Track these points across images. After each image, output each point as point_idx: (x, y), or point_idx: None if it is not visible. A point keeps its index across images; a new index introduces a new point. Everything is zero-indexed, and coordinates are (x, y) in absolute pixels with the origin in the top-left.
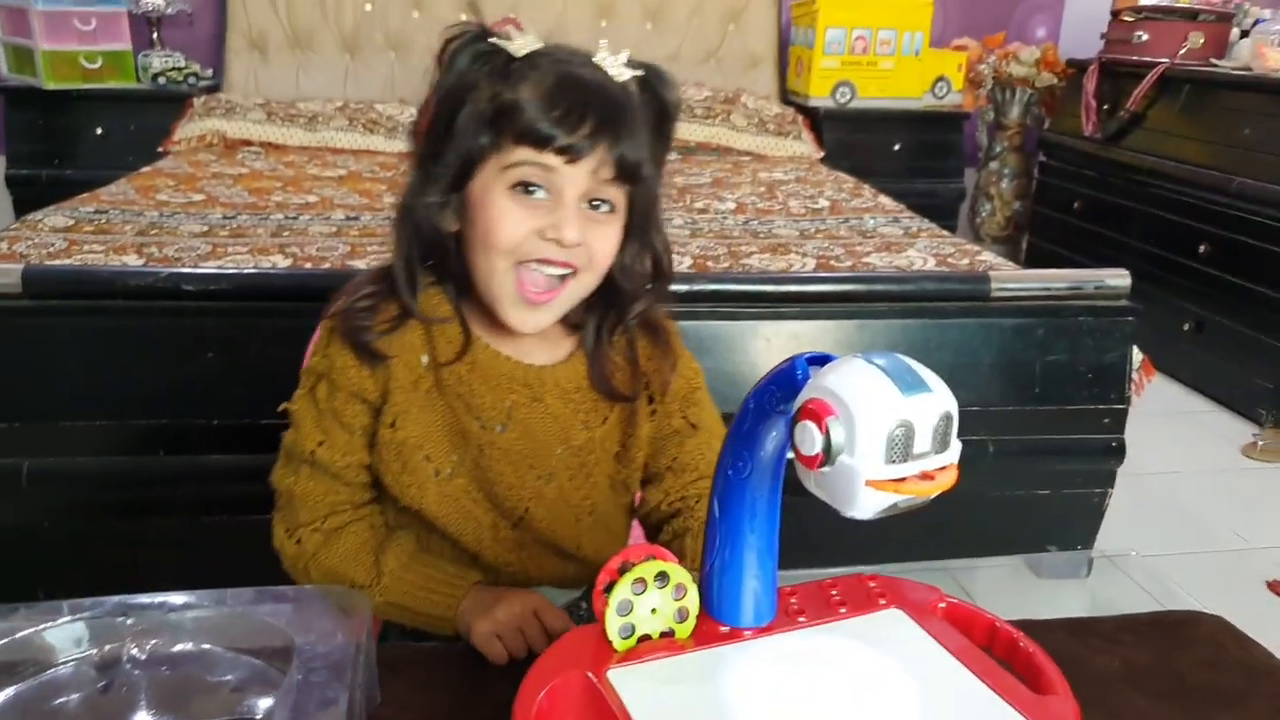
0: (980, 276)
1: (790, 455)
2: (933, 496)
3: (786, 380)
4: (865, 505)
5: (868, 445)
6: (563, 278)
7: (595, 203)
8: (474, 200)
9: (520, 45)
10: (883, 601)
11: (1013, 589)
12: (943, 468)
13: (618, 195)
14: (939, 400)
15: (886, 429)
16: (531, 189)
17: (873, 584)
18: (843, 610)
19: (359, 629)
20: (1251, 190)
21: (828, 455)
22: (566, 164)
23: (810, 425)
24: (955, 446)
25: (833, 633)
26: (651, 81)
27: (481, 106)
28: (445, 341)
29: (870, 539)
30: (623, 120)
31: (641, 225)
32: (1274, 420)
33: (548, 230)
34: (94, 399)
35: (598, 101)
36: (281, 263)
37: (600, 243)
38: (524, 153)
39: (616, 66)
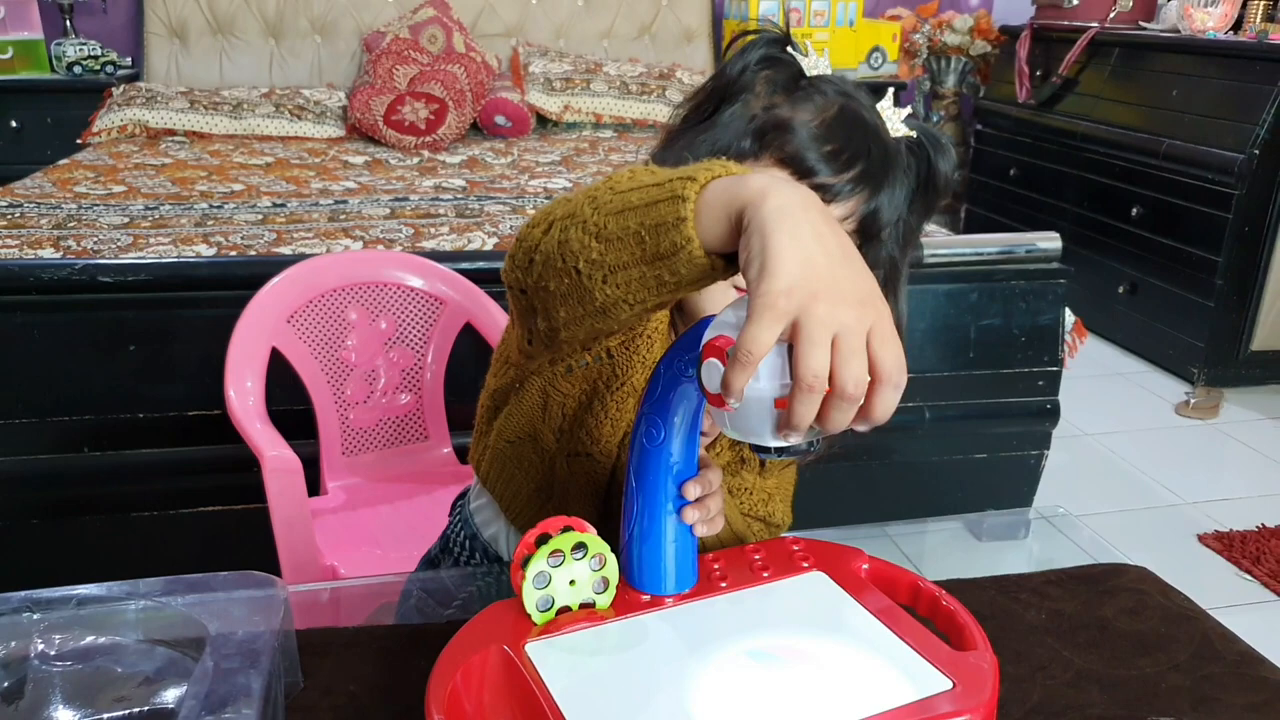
0: None
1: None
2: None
3: (693, 343)
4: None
5: (768, 364)
6: None
7: None
8: None
9: (812, 65)
10: (806, 565)
11: (953, 552)
12: None
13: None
14: None
15: (783, 344)
16: None
17: (796, 547)
18: (765, 574)
19: (277, 614)
20: (1180, 151)
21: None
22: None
23: (713, 361)
24: None
25: (755, 597)
26: (927, 146)
27: (754, 110)
28: None
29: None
30: (889, 174)
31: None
32: (1206, 378)
33: None
34: (12, 397)
35: (873, 149)
36: (205, 252)
37: None
38: (782, 174)
39: (896, 121)
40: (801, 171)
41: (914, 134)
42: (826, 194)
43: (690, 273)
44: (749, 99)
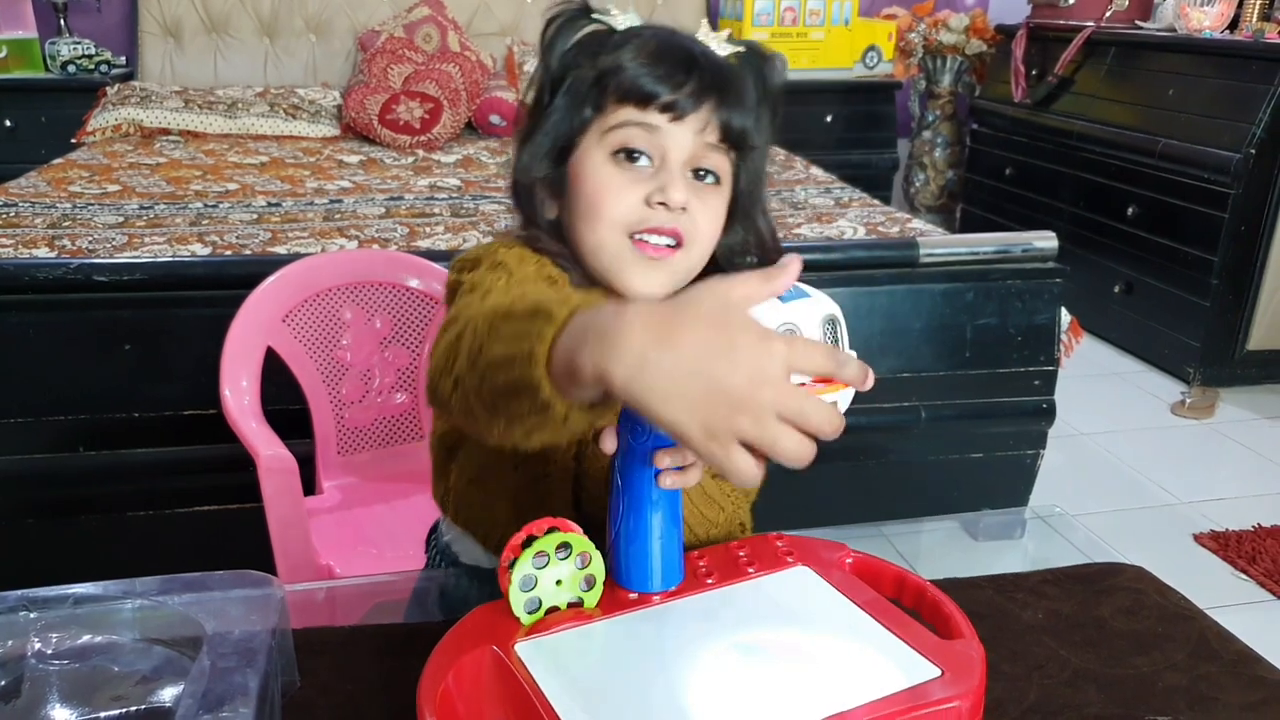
0: (908, 243)
1: None
2: (838, 402)
3: None
4: None
5: None
6: (671, 248)
7: (700, 173)
8: (575, 174)
9: (622, 21)
10: (790, 559)
11: (949, 551)
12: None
13: (723, 165)
14: (819, 305)
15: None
16: (635, 155)
17: (780, 543)
18: (751, 570)
19: (273, 613)
20: (1177, 151)
21: None
22: (670, 122)
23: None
24: (851, 354)
25: (741, 592)
26: (754, 58)
27: (583, 75)
28: None
29: (804, 505)
30: (729, 83)
31: (746, 205)
32: (1201, 378)
33: (654, 195)
34: (7, 397)
35: (702, 61)
36: (200, 251)
37: (706, 213)
38: (626, 112)
39: (718, 42)
40: (642, 98)
41: (740, 49)
42: (675, 110)
43: (579, 423)
44: (576, 73)
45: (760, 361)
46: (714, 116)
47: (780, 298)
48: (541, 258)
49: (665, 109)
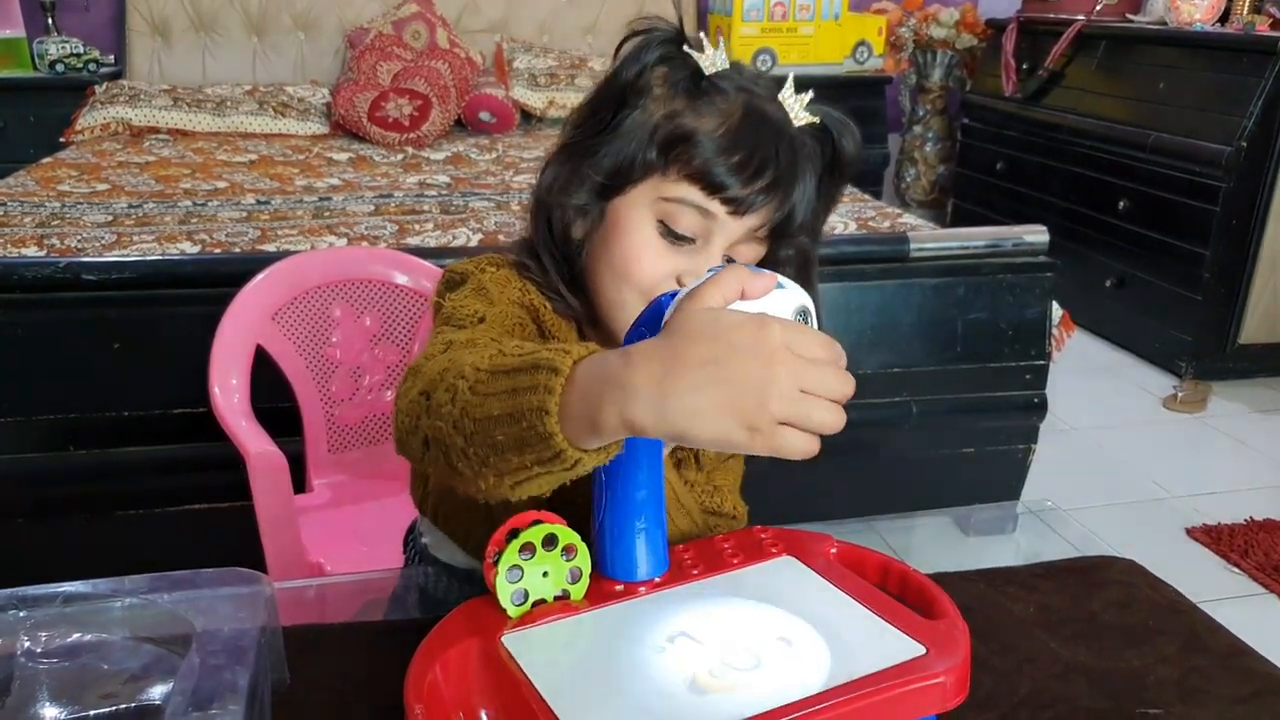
0: (899, 237)
1: None
2: None
3: (655, 319)
4: None
5: None
6: None
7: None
8: (617, 218)
9: (710, 62)
10: (775, 550)
11: (941, 546)
12: None
13: (755, 256)
14: (791, 296)
15: None
16: (682, 235)
17: (764, 535)
18: (735, 561)
19: (263, 610)
20: (1168, 144)
21: None
22: (729, 214)
23: None
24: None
25: (727, 582)
26: (832, 131)
27: (655, 119)
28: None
29: (795, 500)
30: (798, 173)
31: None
32: (1193, 372)
33: (687, 276)
34: None
35: (780, 153)
36: (189, 249)
37: None
38: (689, 191)
39: (798, 109)
40: (712, 187)
41: (817, 119)
42: (739, 206)
43: (590, 465)
44: (647, 103)
45: (763, 346)
46: (774, 213)
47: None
48: (526, 284)
49: (729, 203)
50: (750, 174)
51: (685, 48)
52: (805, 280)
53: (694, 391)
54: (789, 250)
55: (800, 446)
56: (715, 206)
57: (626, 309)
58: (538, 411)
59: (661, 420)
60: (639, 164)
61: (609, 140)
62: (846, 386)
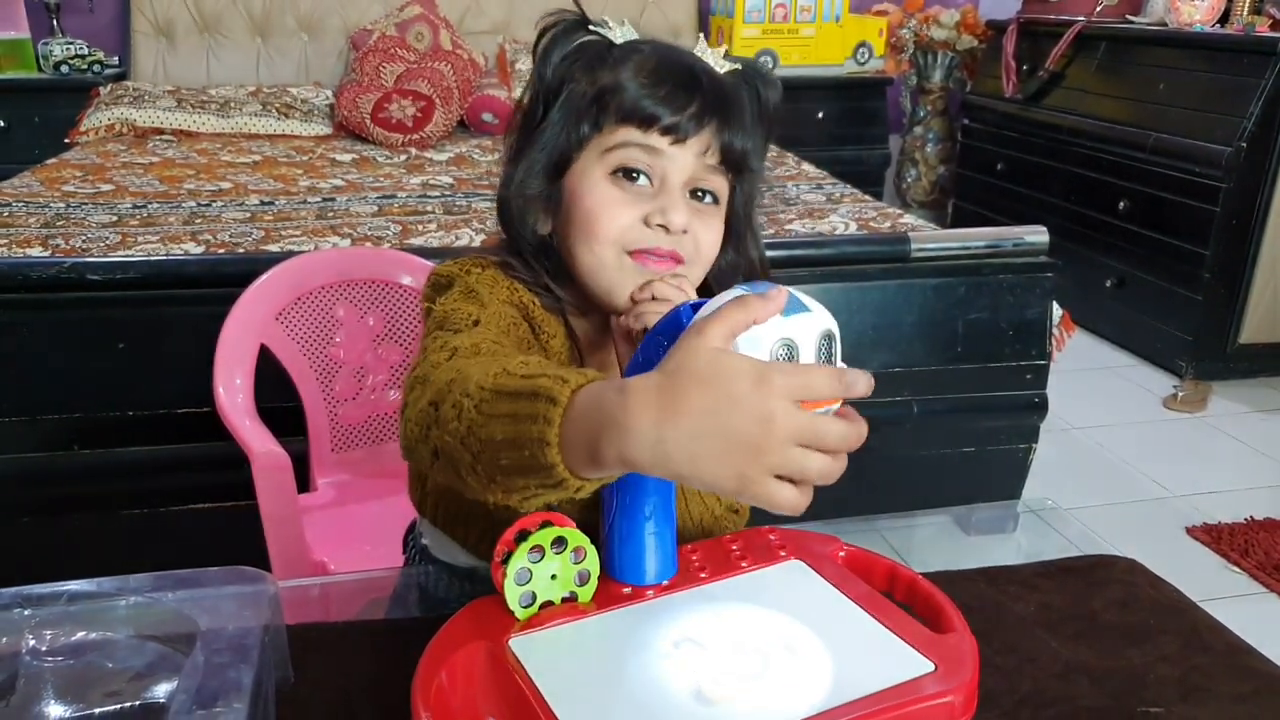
0: (900, 237)
1: None
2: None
3: (673, 328)
4: None
5: None
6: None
7: (699, 193)
8: (572, 191)
9: (619, 35)
10: (783, 553)
11: (942, 545)
12: None
13: (721, 186)
14: (818, 320)
15: (769, 348)
16: (634, 175)
17: (773, 537)
18: (744, 564)
19: (267, 609)
20: (1168, 145)
21: None
22: (672, 144)
23: None
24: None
25: (735, 586)
26: (752, 77)
27: (580, 90)
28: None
29: None
30: (730, 104)
31: (739, 228)
32: (1193, 372)
33: (653, 215)
34: (1, 396)
35: (704, 82)
36: (194, 250)
37: (706, 233)
38: (627, 133)
39: (716, 59)
40: (644, 120)
41: (737, 67)
42: (677, 133)
43: (592, 488)
44: (573, 87)
45: (763, 403)
46: (715, 138)
47: (782, 311)
48: (514, 282)
49: (667, 131)
50: (680, 102)
51: (592, 28)
52: (748, 229)
53: (691, 440)
54: (751, 186)
55: (790, 503)
56: (655, 139)
57: (607, 268)
58: (538, 443)
59: (655, 464)
60: (577, 135)
61: (544, 130)
62: (851, 435)
